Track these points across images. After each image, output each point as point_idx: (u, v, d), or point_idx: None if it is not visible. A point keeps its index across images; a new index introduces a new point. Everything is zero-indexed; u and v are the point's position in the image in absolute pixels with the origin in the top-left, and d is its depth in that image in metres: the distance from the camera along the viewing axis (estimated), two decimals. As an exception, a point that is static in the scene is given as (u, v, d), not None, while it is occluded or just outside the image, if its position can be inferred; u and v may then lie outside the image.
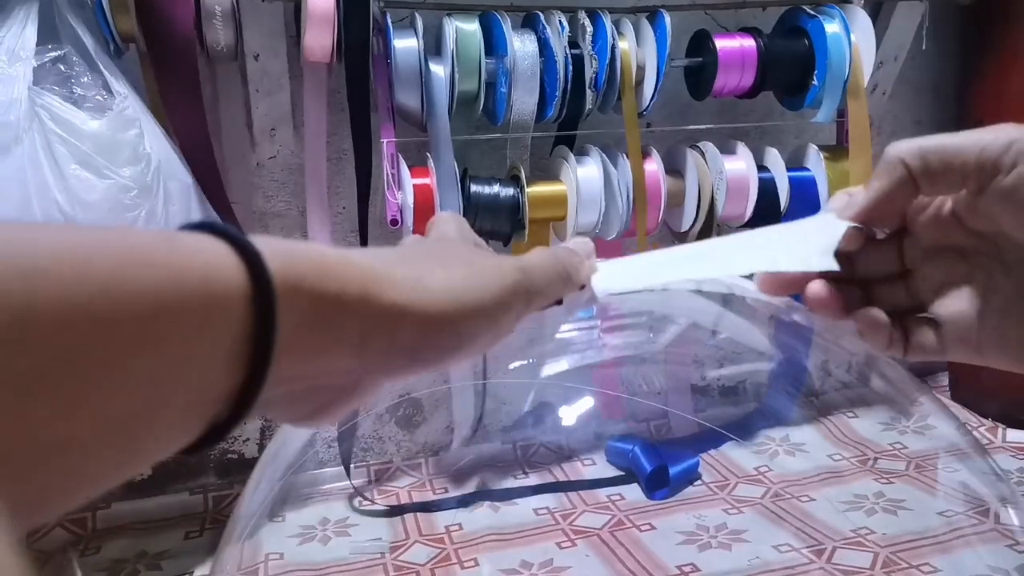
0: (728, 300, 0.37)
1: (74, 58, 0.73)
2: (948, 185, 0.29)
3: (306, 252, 0.19)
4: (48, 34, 0.73)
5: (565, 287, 0.29)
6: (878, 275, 0.32)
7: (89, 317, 0.14)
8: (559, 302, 0.30)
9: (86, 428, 0.15)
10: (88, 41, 0.74)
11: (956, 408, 1.10)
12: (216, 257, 0.17)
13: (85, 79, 0.73)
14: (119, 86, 0.73)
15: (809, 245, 0.30)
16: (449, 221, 0.28)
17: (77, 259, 0.15)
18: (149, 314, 0.15)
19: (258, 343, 0.18)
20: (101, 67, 0.73)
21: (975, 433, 1.04)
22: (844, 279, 0.31)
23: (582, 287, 0.30)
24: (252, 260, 0.17)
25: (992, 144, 0.27)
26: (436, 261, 0.23)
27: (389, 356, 0.21)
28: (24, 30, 0.71)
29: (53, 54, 0.72)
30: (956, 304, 0.30)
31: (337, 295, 0.19)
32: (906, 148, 0.28)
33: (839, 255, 0.29)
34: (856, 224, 0.30)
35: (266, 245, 0.18)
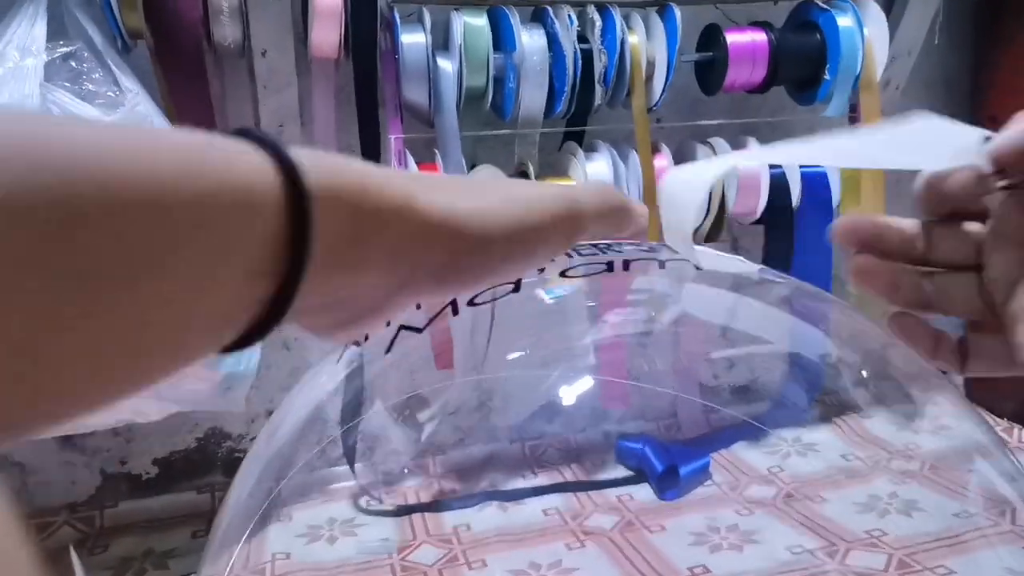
0: (739, 286, 0.36)
1: (84, 54, 0.73)
2: None
3: (346, 167, 0.20)
4: (56, 30, 0.73)
5: (622, 223, 0.29)
6: (947, 260, 0.29)
7: (142, 218, 0.15)
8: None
9: (130, 330, 0.15)
10: (96, 37, 0.74)
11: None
12: (256, 166, 0.17)
13: (96, 75, 0.73)
14: (129, 83, 0.73)
15: (943, 144, 0.26)
16: (484, 170, 0.28)
17: (128, 156, 0.15)
18: (195, 219, 0.16)
19: (293, 253, 0.18)
20: (110, 63, 0.73)
21: (990, 433, 1.02)
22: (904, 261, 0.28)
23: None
24: (290, 171, 0.18)
25: None
26: (473, 188, 0.24)
27: (416, 276, 0.22)
28: (33, 26, 0.71)
29: (64, 50, 0.72)
30: None
31: (373, 211, 0.20)
32: None
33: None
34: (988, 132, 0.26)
35: (307, 157, 0.18)
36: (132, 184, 0.14)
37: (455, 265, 0.22)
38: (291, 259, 0.18)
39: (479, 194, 0.23)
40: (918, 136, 0.28)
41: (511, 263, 0.24)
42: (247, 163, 0.17)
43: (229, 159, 0.17)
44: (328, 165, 0.19)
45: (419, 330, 0.25)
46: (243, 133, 0.18)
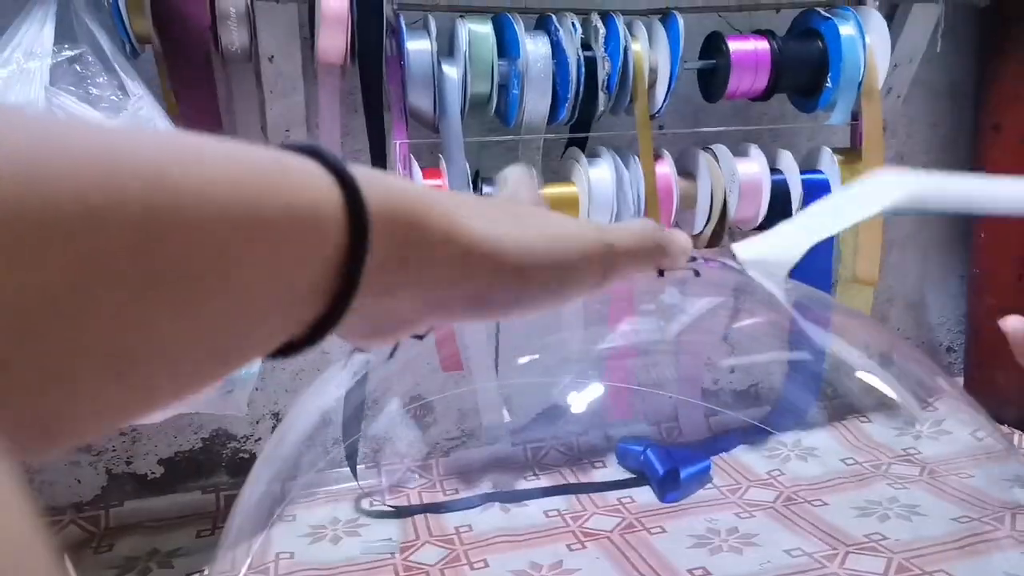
0: (739, 292, 0.36)
1: (90, 58, 0.73)
2: None
3: (398, 188, 0.20)
4: (65, 34, 0.73)
5: (653, 262, 0.29)
6: None
7: (209, 231, 0.15)
8: (661, 273, 0.30)
9: (188, 338, 0.15)
10: (104, 42, 0.74)
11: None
12: (321, 187, 0.18)
13: (100, 79, 0.73)
14: (134, 87, 0.74)
15: None
16: (521, 182, 0.28)
17: (206, 173, 0.15)
18: (260, 235, 0.16)
19: (348, 273, 0.18)
20: (117, 68, 0.74)
21: (991, 438, 1.03)
22: None
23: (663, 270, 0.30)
24: (352, 193, 0.18)
25: None
26: (513, 216, 0.24)
27: (452, 299, 0.22)
28: (42, 30, 0.72)
29: (69, 53, 0.73)
30: None
31: (420, 235, 0.20)
32: None
33: None
34: None
35: (363, 177, 0.19)
36: (209, 199, 0.15)
37: (490, 292, 0.22)
38: (346, 279, 0.18)
39: (519, 223, 0.23)
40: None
41: (544, 297, 0.24)
42: (314, 183, 0.18)
43: (296, 178, 0.17)
44: (381, 186, 0.19)
45: (420, 337, 0.25)
46: (307, 150, 0.19)
